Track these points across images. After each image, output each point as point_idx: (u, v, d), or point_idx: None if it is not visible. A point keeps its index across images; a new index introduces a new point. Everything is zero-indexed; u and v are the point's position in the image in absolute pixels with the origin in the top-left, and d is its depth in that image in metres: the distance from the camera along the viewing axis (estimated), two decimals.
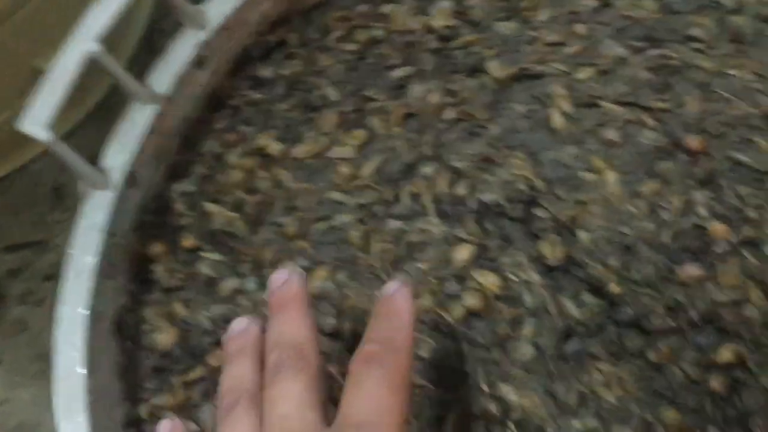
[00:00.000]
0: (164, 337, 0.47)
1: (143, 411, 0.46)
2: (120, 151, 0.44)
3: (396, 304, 0.36)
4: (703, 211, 0.46)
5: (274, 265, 0.47)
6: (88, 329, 0.42)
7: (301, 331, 0.36)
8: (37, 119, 0.36)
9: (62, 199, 0.64)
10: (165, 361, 0.47)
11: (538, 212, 0.47)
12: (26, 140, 0.36)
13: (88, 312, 0.42)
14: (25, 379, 0.58)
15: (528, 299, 0.46)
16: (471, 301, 0.45)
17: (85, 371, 0.42)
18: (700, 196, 0.46)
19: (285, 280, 0.38)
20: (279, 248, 0.48)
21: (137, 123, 0.44)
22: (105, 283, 0.44)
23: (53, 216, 0.63)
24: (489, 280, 0.46)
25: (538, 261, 0.46)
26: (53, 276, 0.59)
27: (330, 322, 0.46)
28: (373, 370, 0.33)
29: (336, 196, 0.49)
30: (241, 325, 0.39)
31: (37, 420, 0.56)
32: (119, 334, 0.46)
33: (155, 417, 0.46)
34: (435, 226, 0.47)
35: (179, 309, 0.48)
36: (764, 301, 0.44)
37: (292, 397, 0.33)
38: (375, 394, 0.32)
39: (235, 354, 0.38)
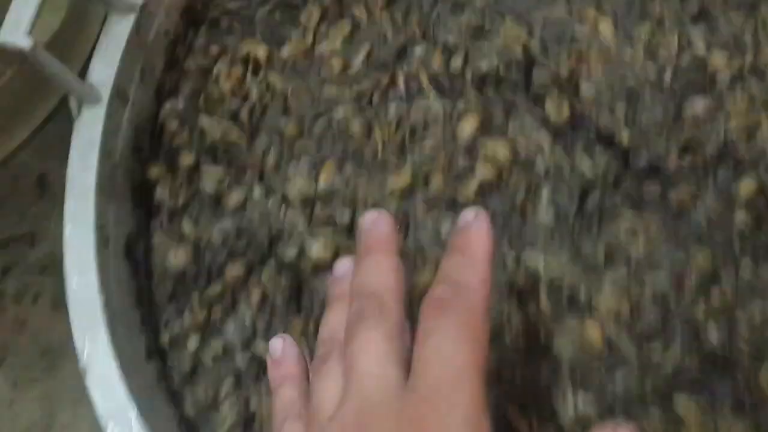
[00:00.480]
0: (177, 259, 0.45)
1: (165, 339, 0.45)
2: (106, 66, 0.42)
3: (472, 237, 0.32)
4: (700, 44, 0.44)
5: (278, 169, 0.46)
6: (98, 253, 0.40)
7: (384, 280, 0.32)
8: (16, 28, 0.34)
9: (46, 190, 0.61)
10: (181, 283, 0.46)
11: (538, 73, 0.45)
12: (5, 132, 0.33)
13: (96, 234, 0.40)
14: (30, 379, 0.56)
15: (540, 162, 0.44)
16: (484, 172, 0.44)
17: (103, 296, 0.40)
18: (695, 30, 0.45)
19: (374, 220, 0.34)
20: (281, 151, 0.46)
21: (118, 35, 0.42)
22: (108, 207, 0.43)
23: (38, 207, 0.61)
24: (498, 148, 0.44)
25: (545, 122, 0.45)
26: (47, 269, 0.58)
27: (345, 217, 0.44)
28: (444, 318, 0.29)
29: (331, 90, 0.47)
30: (343, 267, 0.37)
31: (48, 420, 0.54)
32: (129, 260, 0.45)
33: (178, 344, 0.44)
34: (435, 103, 0.46)
35: (188, 228, 0.46)
36: None
37: (372, 351, 0.30)
38: (448, 349, 0.28)
39: (334, 300, 0.35)
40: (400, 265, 0.33)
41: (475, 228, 0.32)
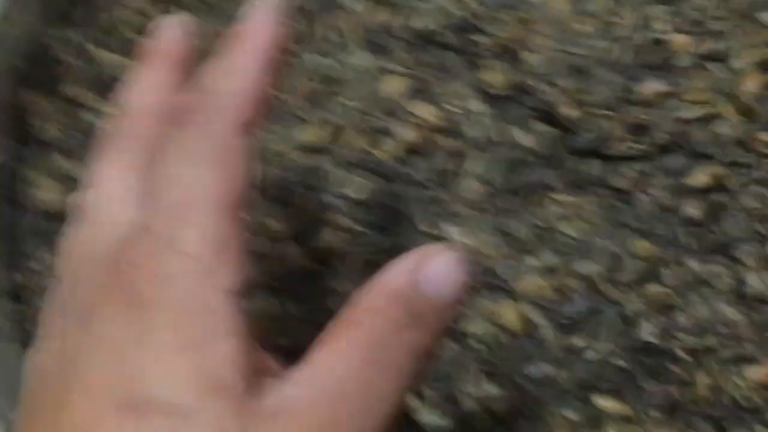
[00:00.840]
0: (48, 194, 0.48)
1: (23, 277, 0.47)
2: None
3: (246, 33, 0.28)
4: (660, 25, 0.49)
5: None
6: None
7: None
8: None
9: None
10: (50, 221, 0.48)
11: (478, 38, 0.49)
12: None
13: None
14: None
15: (471, 131, 0.47)
16: (406, 135, 0.47)
17: None
18: (656, 10, 0.49)
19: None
20: None
21: None
22: None
23: None
24: (426, 111, 0.47)
25: (481, 90, 0.48)
26: None
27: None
28: (180, 134, 0.27)
29: None
30: (172, 29, 0.32)
31: None
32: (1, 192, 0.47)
33: (37, 283, 0.46)
34: (360, 58, 0.49)
35: (62, 163, 0.49)
36: (737, 117, 0.47)
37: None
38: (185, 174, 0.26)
39: (151, 56, 0.31)
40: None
41: (253, 21, 0.28)
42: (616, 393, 0.40)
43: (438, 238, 0.43)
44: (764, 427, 0.40)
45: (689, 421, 0.39)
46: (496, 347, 0.41)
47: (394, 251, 0.42)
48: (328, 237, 0.42)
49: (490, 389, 0.40)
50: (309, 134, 0.45)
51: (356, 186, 0.43)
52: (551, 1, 0.47)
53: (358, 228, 0.43)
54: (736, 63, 0.45)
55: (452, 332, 0.41)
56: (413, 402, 0.39)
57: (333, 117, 0.45)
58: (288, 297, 0.41)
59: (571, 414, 0.40)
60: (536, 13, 0.47)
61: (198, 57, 0.32)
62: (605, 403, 0.40)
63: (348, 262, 0.42)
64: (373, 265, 0.42)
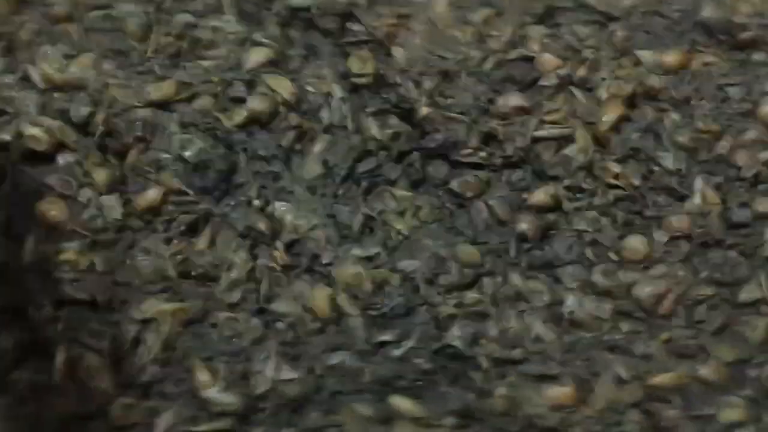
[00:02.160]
0: None
1: None
2: None
3: None
4: (535, 45, 0.49)
5: (29, 46, 0.48)
6: None
7: None
8: None
9: None
10: None
11: (353, 26, 0.49)
12: None
13: None
14: None
15: (325, 114, 0.46)
16: (257, 104, 0.46)
17: None
18: (534, 30, 0.49)
19: None
20: (39, 29, 0.48)
21: None
22: None
23: None
24: (282, 85, 0.46)
25: (345, 77, 0.47)
26: None
27: (82, 112, 0.45)
28: None
29: None
30: None
31: None
32: None
33: None
34: (231, 24, 0.48)
35: None
36: (588, 143, 0.46)
37: None
38: None
39: None
40: None
41: None
42: (413, 394, 0.39)
43: (266, 214, 0.41)
44: None
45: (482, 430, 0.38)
46: (301, 331, 0.40)
47: (218, 220, 0.40)
48: (153, 195, 0.41)
49: (287, 373, 0.38)
50: (160, 91, 0.43)
51: (195, 149, 0.42)
52: (433, 4, 0.46)
53: (187, 191, 0.41)
54: (602, 93, 0.44)
55: (259, 310, 0.39)
56: (204, 377, 0.37)
57: (190, 78, 0.43)
58: (97, 251, 0.39)
59: (364, 409, 0.39)
60: (415, 13, 0.46)
61: None
62: (401, 402, 0.39)
63: (168, 225, 0.40)
64: (193, 230, 0.40)
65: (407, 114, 0.46)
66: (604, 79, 0.47)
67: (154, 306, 0.40)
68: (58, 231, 0.41)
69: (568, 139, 0.46)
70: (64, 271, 0.40)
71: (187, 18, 0.47)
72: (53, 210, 0.41)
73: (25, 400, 0.39)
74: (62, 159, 0.43)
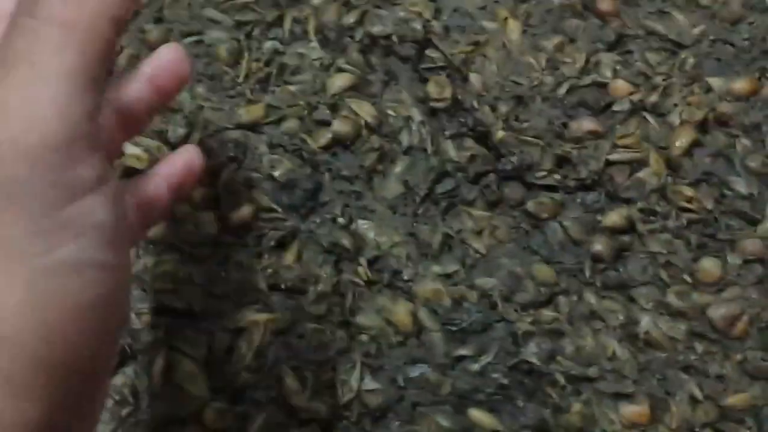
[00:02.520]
0: None
1: None
2: None
3: None
4: (607, 71, 0.50)
5: (128, 71, 0.50)
6: None
7: None
8: None
9: None
10: None
11: (430, 53, 0.51)
12: None
13: None
14: None
15: (405, 136, 0.48)
16: (340, 127, 0.48)
17: None
18: (606, 57, 0.51)
19: None
20: (137, 54, 0.51)
21: None
22: None
23: None
24: (364, 109, 0.49)
25: (423, 101, 0.49)
26: None
27: (179, 132, 0.48)
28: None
29: (211, 13, 0.52)
30: None
31: None
32: None
33: None
34: (315, 52, 0.50)
35: None
36: (661, 167, 0.48)
37: None
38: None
39: None
40: None
41: None
42: (491, 407, 0.41)
43: (350, 231, 0.43)
44: None
45: None
46: (384, 344, 0.41)
47: (305, 236, 0.42)
48: (246, 212, 0.43)
49: (370, 384, 0.40)
50: (251, 114, 0.45)
51: (283, 169, 0.44)
52: (507, 31, 0.48)
53: (276, 209, 0.43)
54: (674, 118, 0.46)
55: (344, 322, 0.41)
56: (294, 385, 0.39)
57: (278, 102, 0.46)
58: (194, 263, 0.42)
59: (443, 420, 0.40)
60: (490, 40, 0.48)
61: None
62: (479, 415, 0.40)
63: (259, 240, 0.42)
64: (282, 245, 0.42)
65: (483, 137, 0.48)
66: (675, 105, 0.48)
67: (247, 316, 0.42)
68: (158, 244, 0.43)
69: (641, 163, 0.47)
70: (164, 282, 0.42)
71: (275, 45, 0.50)
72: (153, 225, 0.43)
73: (125, 403, 0.41)
74: None
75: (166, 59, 0.36)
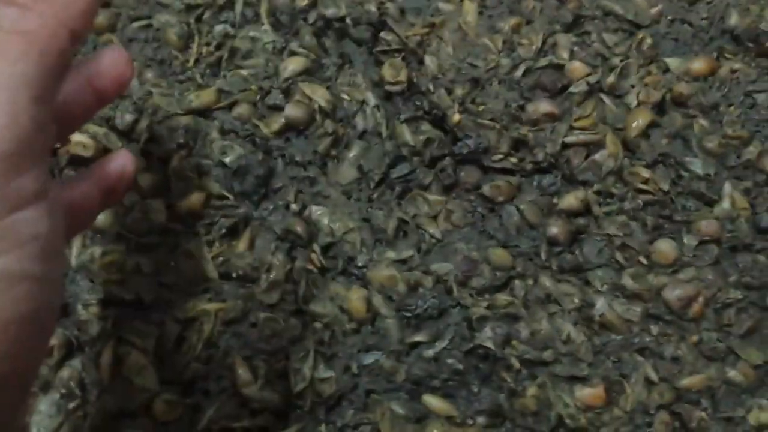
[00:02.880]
0: None
1: None
2: None
3: None
4: (564, 53, 0.49)
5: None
6: None
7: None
8: None
9: None
10: None
11: (385, 35, 0.50)
12: None
13: None
14: None
15: (360, 121, 0.48)
16: (293, 112, 0.47)
17: None
18: (563, 38, 0.50)
19: None
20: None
21: None
22: None
23: None
24: (318, 93, 0.48)
25: (378, 85, 0.48)
26: None
27: (127, 119, 0.47)
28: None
29: None
30: None
31: None
32: None
33: None
34: (267, 35, 0.49)
35: None
36: (618, 149, 0.47)
37: None
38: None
39: None
40: None
41: None
42: (446, 393, 0.40)
43: (304, 217, 0.42)
44: None
45: (512, 431, 0.38)
46: (338, 331, 0.41)
47: (257, 223, 0.41)
48: (196, 200, 0.42)
49: (324, 372, 0.40)
50: (201, 99, 0.44)
51: (234, 155, 0.43)
52: (463, 13, 0.47)
53: (228, 196, 0.42)
54: (631, 99, 0.45)
55: (297, 310, 0.40)
56: (246, 375, 0.38)
57: (229, 86, 0.45)
58: (143, 252, 0.41)
59: (398, 407, 0.40)
60: (446, 22, 0.47)
61: None
62: (434, 401, 0.40)
63: (209, 228, 0.41)
64: (233, 233, 0.41)
65: (439, 120, 0.47)
66: (633, 86, 0.48)
67: (197, 306, 0.41)
68: (106, 233, 0.42)
69: (597, 145, 0.46)
70: (111, 272, 0.42)
71: (226, 28, 0.49)
72: (100, 214, 0.42)
73: (72, 396, 0.40)
74: None
75: (108, 61, 0.34)
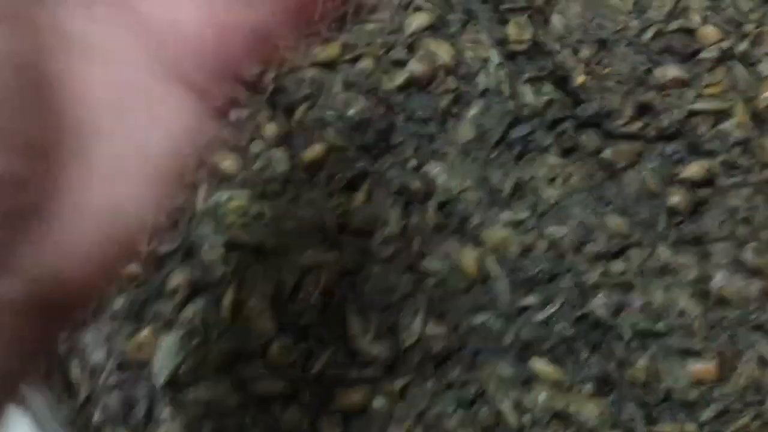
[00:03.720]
0: None
1: None
2: None
3: None
4: (696, 17, 0.48)
5: None
6: None
7: None
8: None
9: None
10: None
11: None
12: None
13: None
14: None
15: (482, 78, 0.47)
16: (417, 67, 0.47)
17: None
18: (695, 2, 0.48)
19: None
20: None
21: None
22: None
23: None
24: (442, 49, 0.48)
25: (502, 43, 0.48)
26: None
27: (254, 71, 0.48)
28: None
29: None
30: None
31: None
32: None
33: None
34: None
35: None
36: (747, 119, 0.45)
37: None
38: None
39: None
40: None
41: None
42: (554, 358, 0.40)
43: (421, 174, 0.42)
44: (696, 424, 0.39)
45: (619, 402, 0.39)
46: (449, 290, 0.41)
47: (375, 177, 0.42)
48: (317, 151, 0.43)
49: (433, 329, 0.40)
50: (326, 52, 0.45)
51: (357, 109, 0.44)
52: None
53: (349, 148, 0.43)
54: (764, 68, 0.43)
55: (410, 266, 0.42)
56: (358, 327, 0.39)
57: (354, 40, 0.45)
58: (265, 200, 0.42)
59: (504, 369, 0.40)
60: None
61: None
62: (541, 365, 0.40)
63: (329, 180, 0.42)
64: (352, 186, 0.42)
65: (562, 82, 0.46)
66: (766, 54, 0.46)
67: (315, 255, 0.42)
68: (231, 180, 0.44)
69: (726, 114, 0.45)
70: (235, 217, 0.43)
71: None
72: (226, 161, 0.44)
73: (195, 333, 0.42)
74: (234, 114, 0.46)
75: None
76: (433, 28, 0.47)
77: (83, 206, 0.23)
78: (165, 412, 0.41)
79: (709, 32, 0.46)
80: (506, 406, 0.40)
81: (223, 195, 0.44)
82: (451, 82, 0.46)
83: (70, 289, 0.23)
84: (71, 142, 0.23)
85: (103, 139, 0.24)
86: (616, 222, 0.43)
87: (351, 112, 0.46)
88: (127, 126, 0.24)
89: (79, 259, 0.23)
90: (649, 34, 0.46)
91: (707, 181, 0.44)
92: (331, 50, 0.47)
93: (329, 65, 0.47)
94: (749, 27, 0.46)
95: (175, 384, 0.41)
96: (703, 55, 0.46)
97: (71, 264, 0.23)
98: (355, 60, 0.47)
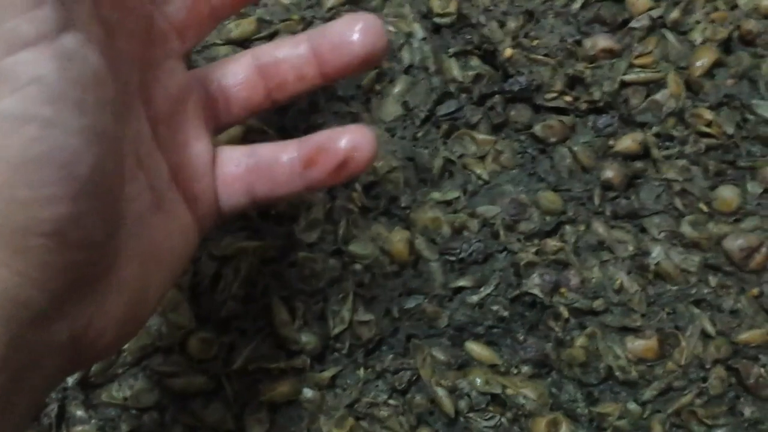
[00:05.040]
0: None
1: None
2: None
3: None
4: None
5: None
6: None
7: None
8: None
9: None
10: None
11: None
12: None
13: None
14: None
15: (406, 55, 0.46)
16: None
17: None
18: None
19: None
20: None
21: None
22: None
23: None
24: None
25: (426, 16, 0.47)
26: None
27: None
28: None
29: None
30: None
31: None
32: None
33: None
34: None
35: None
36: (680, 89, 0.45)
37: None
38: None
39: None
40: None
41: None
42: (490, 341, 0.39)
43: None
44: (638, 404, 0.38)
45: (558, 382, 0.38)
46: (378, 273, 0.40)
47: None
48: (234, 132, 0.41)
49: (363, 315, 0.39)
50: (241, 29, 0.44)
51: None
52: None
53: (268, 130, 0.41)
54: (696, 36, 0.43)
55: (336, 251, 0.39)
56: (283, 315, 0.38)
57: (270, 16, 0.45)
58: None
59: (439, 353, 0.39)
60: None
61: None
62: (477, 348, 0.39)
63: None
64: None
65: (490, 55, 0.45)
66: (698, 22, 0.46)
67: (234, 243, 0.40)
68: None
69: (658, 84, 0.44)
70: None
71: None
72: None
73: None
74: None
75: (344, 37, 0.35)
76: (353, 2, 0.46)
77: (125, 285, 0.29)
78: (78, 412, 0.39)
79: (639, 1, 0.45)
80: (441, 392, 0.39)
81: None
82: None
83: (100, 350, 0.28)
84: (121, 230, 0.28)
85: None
86: (549, 198, 0.43)
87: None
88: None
89: (114, 327, 0.28)
90: (578, 4, 0.46)
91: (641, 153, 0.43)
92: (245, 26, 0.45)
93: (244, 42, 0.45)
94: None
95: (86, 383, 0.39)
96: (633, 24, 0.45)
97: (107, 328, 0.28)
98: (271, 37, 0.45)
